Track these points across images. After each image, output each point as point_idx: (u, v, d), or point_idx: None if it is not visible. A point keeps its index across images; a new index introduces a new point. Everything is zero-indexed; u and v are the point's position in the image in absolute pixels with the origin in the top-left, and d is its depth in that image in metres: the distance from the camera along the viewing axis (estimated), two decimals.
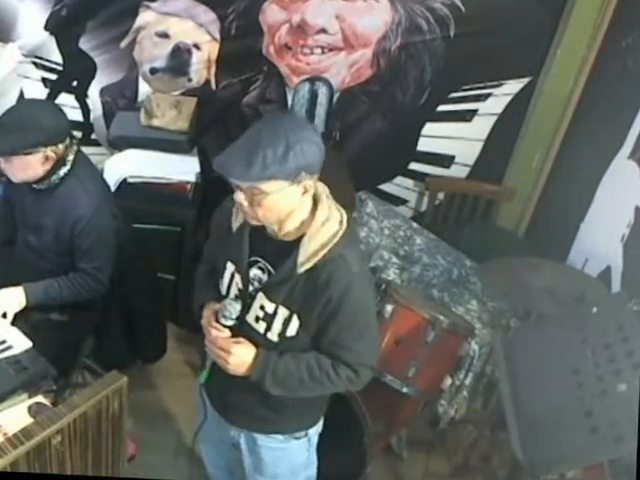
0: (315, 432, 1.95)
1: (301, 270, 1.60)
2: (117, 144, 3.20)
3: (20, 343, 2.05)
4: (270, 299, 1.67)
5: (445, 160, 3.51)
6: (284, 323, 1.67)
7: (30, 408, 1.84)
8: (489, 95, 3.34)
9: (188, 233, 3.14)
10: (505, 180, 3.55)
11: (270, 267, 1.68)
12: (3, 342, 2.05)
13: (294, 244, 1.62)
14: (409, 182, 3.59)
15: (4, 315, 2.23)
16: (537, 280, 2.51)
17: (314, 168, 1.56)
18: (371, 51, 3.23)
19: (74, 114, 3.33)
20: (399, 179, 3.58)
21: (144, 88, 3.36)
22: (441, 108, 3.38)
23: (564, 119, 3.27)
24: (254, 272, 1.71)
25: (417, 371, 2.41)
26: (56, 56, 3.26)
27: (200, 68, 3.31)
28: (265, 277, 1.69)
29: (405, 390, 2.41)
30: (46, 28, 3.17)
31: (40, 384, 1.93)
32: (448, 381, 2.52)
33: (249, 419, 1.88)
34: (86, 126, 3.43)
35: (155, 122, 3.17)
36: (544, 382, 2.02)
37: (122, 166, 3.10)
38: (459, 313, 2.87)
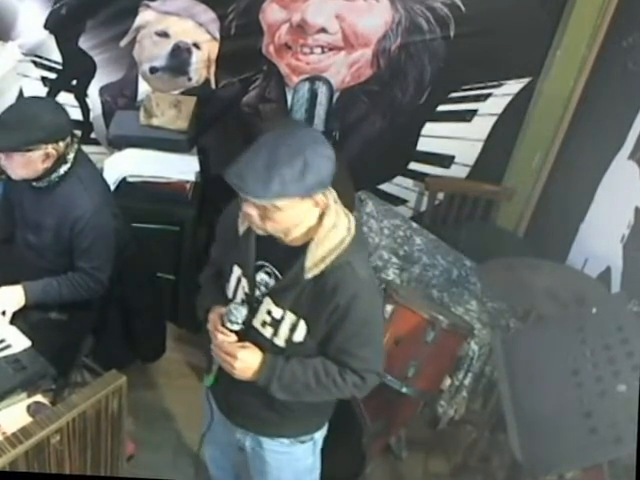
0: (321, 436, 1.95)
1: (308, 276, 1.59)
2: (116, 143, 3.20)
3: (19, 342, 2.04)
4: (277, 304, 1.66)
5: (445, 160, 3.51)
6: (291, 328, 1.66)
7: (29, 407, 1.84)
8: (489, 95, 3.33)
9: (187, 232, 3.12)
10: (505, 180, 3.54)
11: (277, 272, 1.67)
12: (2, 341, 2.04)
13: (301, 249, 1.61)
14: (409, 182, 3.58)
15: (3, 313, 2.22)
16: (537, 280, 2.50)
17: (327, 182, 1.55)
18: (371, 51, 3.23)
19: (73, 113, 3.31)
20: (399, 179, 3.57)
21: (144, 87, 3.35)
22: (441, 108, 3.37)
23: (564, 119, 3.27)
24: (261, 276, 1.69)
25: (416, 371, 2.41)
26: (56, 55, 3.25)
27: (200, 67, 3.31)
28: (272, 282, 1.68)
29: (404, 390, 2.41)
30: (46, 27, 3.16)
31: (39, 383, 1.92)
32: (447, 381, 2.52)
33: (255, 422, 1.87)
34: (85, 125, 3.42)
35: (155, 121, 3.17)
36: (543, 383, 2.02)
37: (121, 165, 3.09)
38: (459, 313, 2.87)
